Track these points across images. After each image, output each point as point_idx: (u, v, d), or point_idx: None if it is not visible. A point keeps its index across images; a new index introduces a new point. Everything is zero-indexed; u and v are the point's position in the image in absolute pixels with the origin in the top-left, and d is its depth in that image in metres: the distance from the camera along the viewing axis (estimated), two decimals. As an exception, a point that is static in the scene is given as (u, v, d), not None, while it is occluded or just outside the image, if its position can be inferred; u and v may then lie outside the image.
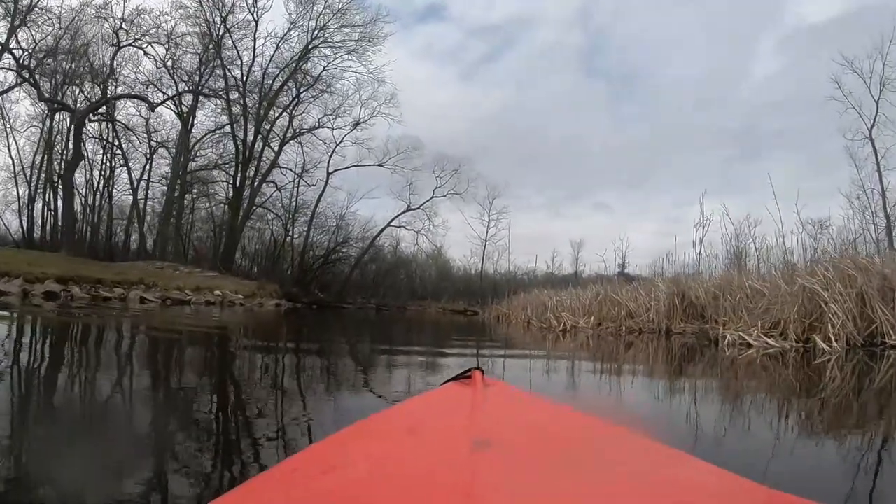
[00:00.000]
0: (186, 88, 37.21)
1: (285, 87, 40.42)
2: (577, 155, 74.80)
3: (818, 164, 51.11)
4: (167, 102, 38.24)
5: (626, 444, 1.13)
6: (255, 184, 40.33)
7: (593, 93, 76.12)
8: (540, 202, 78.86)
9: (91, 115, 34.61)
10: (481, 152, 76.11)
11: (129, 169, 39.24)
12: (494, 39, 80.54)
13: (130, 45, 34.57)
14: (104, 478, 1.98)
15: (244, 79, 38.83)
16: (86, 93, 34.52)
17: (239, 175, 39.04)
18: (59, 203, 34.49)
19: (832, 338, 9.18)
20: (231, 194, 39.60)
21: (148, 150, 39.46)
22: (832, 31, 49.42)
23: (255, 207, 40.86)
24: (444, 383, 1.60)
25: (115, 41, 33.75)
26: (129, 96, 35.24)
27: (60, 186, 33.42)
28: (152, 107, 35.51)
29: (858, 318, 9.66)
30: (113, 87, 35.81)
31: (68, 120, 34.95)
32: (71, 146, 32.32)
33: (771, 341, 9.92)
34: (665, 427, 3.16)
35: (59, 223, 34.14)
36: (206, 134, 39.79)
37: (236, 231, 38.87)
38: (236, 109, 39.12)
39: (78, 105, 34.17)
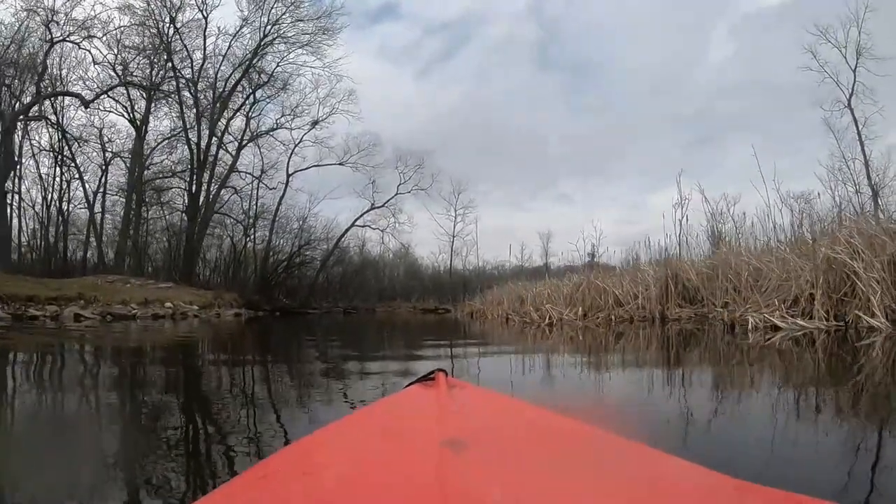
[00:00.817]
0: (138, 83, 34.97)
1: (240, 88, 38.49)
2: (536, 147, 74.29)
3: (776, 145, 50.32)
4: (120, 110, 36.38)
5: (598, 444, 1.08)
6: (213, 189, 38.33)
7: (549, 85, 75.25)
8: (501, 196, 77.86)
9: (27, 120, 32.02)
10: (442, 149, 75.13)
11: (83, 181, 36.78)
12: (449, 36, 78.92)
13: (63, 40, 31.95)
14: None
15: (195, 79, 36.72)
16: (17, 94, 31.80)
17: (194, 181, 36.89)
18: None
19: (878, 313, 7.67)
20: (187, 202, 37.39)
21: (103, 162, 37.17)
22: (785, 14, 48.98)
23: (213, 214, 38.75)
24: (407, 386, 1.59)
25: (48, 37, 31.11)
26: (60, 94, 32.63)
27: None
28: (86, 104, 32.90)
29: (893, 288, 8.20)
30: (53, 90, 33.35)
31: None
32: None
33: (803, 322, 8.38)
34: (649, 427, 2.70)
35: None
36: (160, 142, 37.76)
37: (194, 240, 36.72)
38: (189, 113, 37.19)
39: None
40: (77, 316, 17.64)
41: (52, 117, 34.54)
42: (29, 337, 10.38)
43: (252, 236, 41.93)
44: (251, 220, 41.33)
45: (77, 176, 36.75)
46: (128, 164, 36.81)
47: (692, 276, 14.47)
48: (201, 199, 37.42)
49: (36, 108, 31.97)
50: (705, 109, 64.66)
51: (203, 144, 37.07)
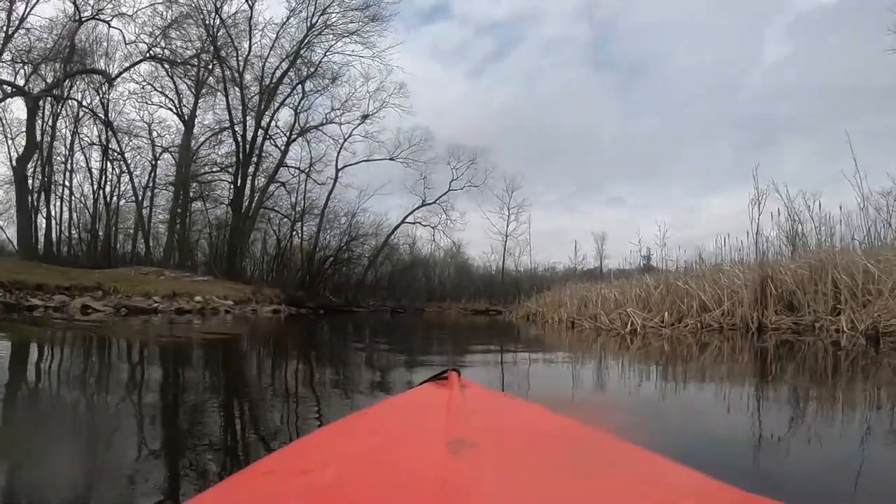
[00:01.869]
0: (164, 57, 33.38)
1: (287, 80, 36.76)
2: (588, 149, 71.93)
3: (831, 149, 47.42)
4: (168, 105, 35.36)
5: (602, 447, 1.10)
6: (259, 183, 36.93)
7: (602, 86, 73.42)
8: (552, 198, 75.36)
9: (49, 97, 30.66)
10: (494, 148, 72.18)
11: (131, 176, 35.61)
12: (500, 36, 76.75)
13: (92, 18, 30.26)
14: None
15: (241, 70, 35.23)
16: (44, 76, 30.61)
17: (240, 174, 35.42)
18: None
19: None
20: (232, 195, 35.96)
21: (153, 157, 36.11)
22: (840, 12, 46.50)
23: (260, 208, 37.24)
24: (420, 384, 1.59)
25: (77, 16, 29.47)
26: (83, 71, 30.95)
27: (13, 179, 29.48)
28: (110, 81, 31.23)
29: None
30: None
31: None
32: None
33: None
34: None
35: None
36: (207, 136, 36.46)
37: (238, 233, 35.24)
38: (236, 104, 35.60)
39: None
40: (85, 308, 15.97)
41: (101, 112, 33.87)
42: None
43: (299, 232, 40.30)
44: (298, 215, 39.62)
45: (126, 170, 35.73)
46: (176, 159, 35.61)
47: (787, 279, 12.19)
48: (246, 192, 35.99)
49: (59, 89, 30.37)
50: (761, 113, 62.70)
51: (249, 137, 35.57)
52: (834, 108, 55.41)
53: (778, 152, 57.83)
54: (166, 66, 33.45)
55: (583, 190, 77.94)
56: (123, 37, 31.74)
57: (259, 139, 36.21)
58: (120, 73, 31.66)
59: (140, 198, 35.97)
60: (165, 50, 32.50)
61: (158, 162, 36.27)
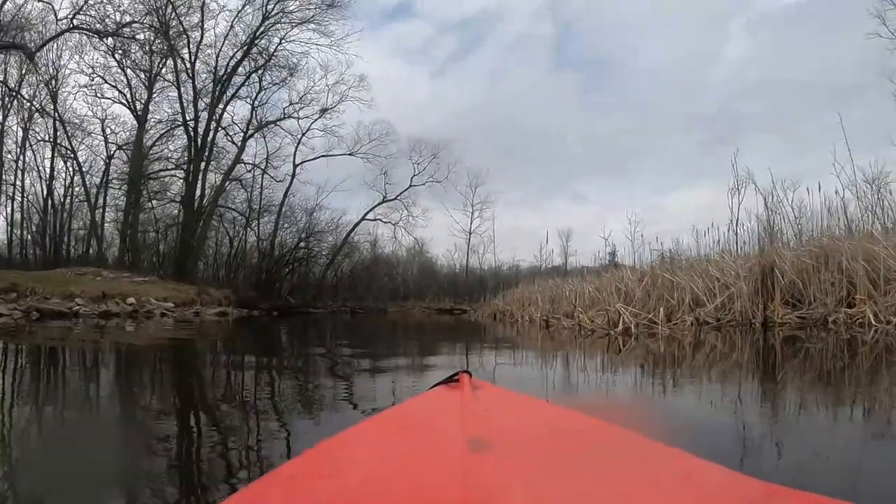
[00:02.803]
0: (87, 28, 31.06)
1: (243, 71, 34.54)
2: (551, 147, 70.11)
3: (795, 145, 48.40)
4: (120, 99, 33.24)
5: (622, 443, 1.09)
6: (213, 180, 34.75)
7: (565, 83, 70.78)
8: (516, 196, 74.07)
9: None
10: (457, 146, 70.50)
11: (82, 174, 33.29)
12: (464, 35, 74.39)
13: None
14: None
15: (192, 60, 32.93)
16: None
17: (192, 170, 33.10)
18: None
19: None
20: (184, 192, 33.62)
21: (106, 155, 33.86)
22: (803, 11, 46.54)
23: (216, 207, 34.91)
24: (431, 387, 1.58)
25: None
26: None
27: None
28: (31, 55, 28.09)
29: None
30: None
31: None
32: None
33: None
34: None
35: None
36: (159, 130, 34.16)
37: (189, 232, 32.91)
38: (189, 97, 33.25)
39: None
40: (-15, 313, 13.78)
41: (50, 107, 31.79)
42: None
43: (256, 230, 37.94)
44: (255, 213, 37.34)
45: (77, 168, 33.49)
46: (128, 155, 33.30)
47: (787, 268, 10.72)
48: (200, 189, 33.78)
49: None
50: (724, 109, 61.57)
51: (202, 131, 33.33)
52: (796, 104, 56.01)
53: (741, 149, 56.01)
54: (95, 38, 30.78)
55: (547, 188, 76.82)
56: (55, 14, 29.01)
57: (212, 133, 34.02)
58: (40, 47, 28.70)
59: (94, 198, 33.70)
60: (94, 20, 29.61)
61: (112, 160, 34.15)
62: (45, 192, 33.50)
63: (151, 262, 34.43)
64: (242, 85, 34.48)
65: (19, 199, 33.16)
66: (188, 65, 32.90)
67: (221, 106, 33.98)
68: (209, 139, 33.70)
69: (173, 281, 25.57)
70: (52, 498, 1.69)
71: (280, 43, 34.38)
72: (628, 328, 9.83)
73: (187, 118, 33.20)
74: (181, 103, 33.15)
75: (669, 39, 69.30)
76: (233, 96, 34.30)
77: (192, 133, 33.10)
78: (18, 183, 32.93)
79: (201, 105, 33.51)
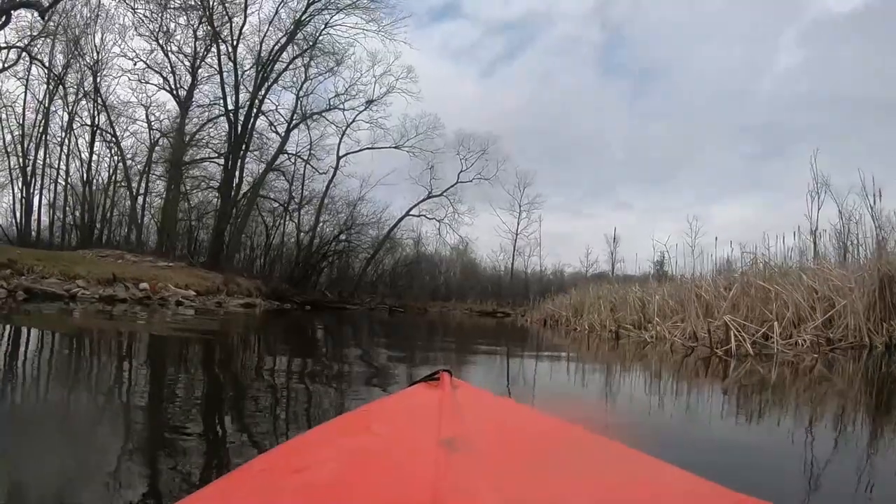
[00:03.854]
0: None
1: (286, 57, 32.60)
2: (596, 153, 66.44)
3: (845, 161, 44.14)
4: (163, 85, 31.52)
5: (593, 448, 1.10)
6: (252, 168, 33.07)
7: (612, 89, 68.11)
8: (559, 202, 71.29)
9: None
10: (504, 140, 67.82)
11: (123, 158, 31.74)
12: (511, 36, 71.77)
13: None
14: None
15: (234, 44, 31.12)
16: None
17: (231, 157, 31.30)
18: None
19: None
20: (222, 179, 31.81)
21: (149, 141, 32.19)
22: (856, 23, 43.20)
23: (257, 197, 33.14)
24: (411, 384, 1.54)
25: None
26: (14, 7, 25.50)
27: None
28: (42, 12, 25.91)
29: None
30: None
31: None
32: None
33: None
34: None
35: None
36: (203, 123, 32.38)
37: (224, 219, 31.10)
38: (231, 82, 31.57)
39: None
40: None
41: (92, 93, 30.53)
42: None
43: (297, 221, 35.98)
44: (296, 204, 35.45)
45: (118, 153, 31.95)
46: (170, 142, 31.72)
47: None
48: (236, 178, 32.03)
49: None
50: (772, 121, 58.60)
51: (242, 117, 31.55)
52: (845, 119, 52.31)
53: (787, 161, 54.00)
54: (139, 22, 29.67)
55: (589, 194, 73.55)
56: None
57: (253, 120, 32.22)
58: (53, 3, 26.56)
59: (136, 184, 32.34)
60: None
61: (156, 147, 32.39)
62: (84, 176, 32.15)
63: (190, 250, 32.69)
64: (285, 70, 32.48)
65: (62, 182, 32.20)
66: (230, 49, 31.13)
67: (263, 92, 32.10)
68: (249, 126, 31.94)
69: (203, 269, 23.61)
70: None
71: (325, 27, 32.24)
72: (741, 347, 7.32)
73: (228, 105, 31.62)
74: (223, 89, 31.59)
75: (719, 47, 65.80)
76: (274, 81, 32.35)
77: (232, 119, 31.40)
78: (63, 167, 31.96)
79: (243, 91, 31.92)
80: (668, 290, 12.50)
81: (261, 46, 31.78)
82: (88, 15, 29.53)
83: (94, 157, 32.21)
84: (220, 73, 31.27)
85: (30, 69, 29.56)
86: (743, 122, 63.12)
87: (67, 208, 32.67)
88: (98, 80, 30.58)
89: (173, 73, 31.47)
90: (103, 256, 20.43)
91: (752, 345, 7.31)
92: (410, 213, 38.98)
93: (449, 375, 1.48)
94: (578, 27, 65.94)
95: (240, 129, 31.31)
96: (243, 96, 31.75)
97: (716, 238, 13.07)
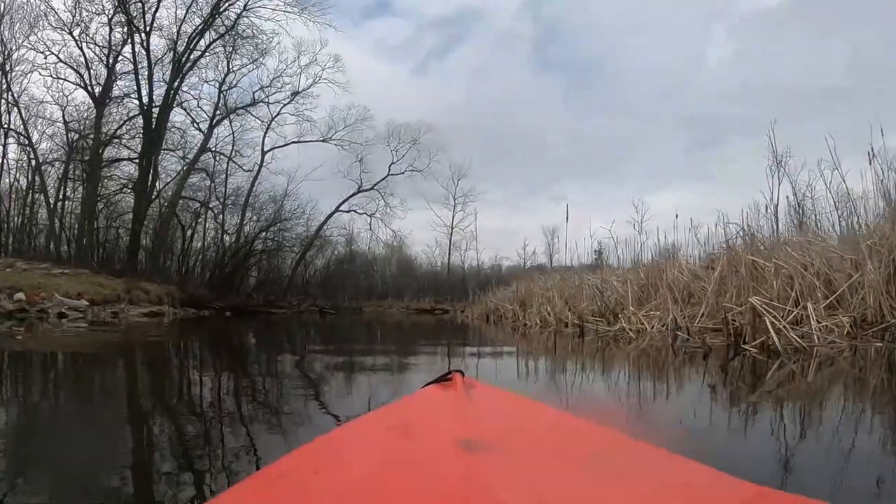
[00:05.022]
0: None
1: (203, 47, 29.80)
2: (534, 148, 64.87)
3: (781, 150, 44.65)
4: (78, 81, 28.17)
5: (615, 445, 1.05)
6: (167, 164, 30.16)
7: (547, 85, 66.20)
8: (498, 197, 69.79)
9: None
10: (437, 131, 66.06)
11: (38, 161, 28.09)
12: (445, 33, 70.94)
13: None
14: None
15: (147, 29, 28.14)
16: None
17: (145, 154, 28.31)
18: None
19: None
20: (137, 177, 28.83)
21: (66, 142, 28.63)
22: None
23: (179, 199, 30.18)
24: (424, 386, 1.47)
25: None
26: None
27: None
28: None
29: None
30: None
31: None
32: None
33: None
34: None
35: None
36: (123, 122, 29.36)
37: (139, 221, 28.17)
38: (144, 72, 28.61)
39: None
40: None
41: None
42: None
43: (220, 221, 32.90)
44: (220, 203, 32.60)
45: (33, 156, 28.36)
46: (86, 143, 28.35)
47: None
48: (151, 175, 29.03)
49: None
50: (707, 113, 58.11)
51: (156, 111, 28.63)
52: (779, 109, 51.92)
53: (726, 151, 54.71)
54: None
55: (528, 189, 72.82)
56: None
57: (170, 112, 29.41)
58: None
59: (52, 188, 29.11)
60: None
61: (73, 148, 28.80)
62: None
63: (99, 256, 29.47)
64: (201, 56, 29.57)
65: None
66: (143, 37, 28.21)
67: (177, 83, 29.22)
68: (165, 120, 29.00)
69: (107, 276, 20.76)
70: None
71: (244, 10, 29.44)
72: (744, 337, 5.47)
73: (143, 99, 28.66)
74: (137, 82, 28.62)
75: (651, 41, 65.84)
76: (190, 68, 29.43)
77: (144, 110, 28.41)
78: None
79: (161, 85, 29.03)
80: (628, 276, 10.80)
81: (177, 35, 28.76)
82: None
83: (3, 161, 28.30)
84: (135, 64, 28.27)
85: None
86: (679, 114, 62.93)
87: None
88: (9, 77, 27.20)
89: (88, 67, 28.24)
90: (-9, 265, 17.52)
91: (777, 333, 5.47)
92: (340, 208, 36.57)
93: (461, 376, 1.43)
94: (511, 23, 64.47)
95: (154, 123, 28.43)
96: (161, 90, 28.91)
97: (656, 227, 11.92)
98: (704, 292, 8.65)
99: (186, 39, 29.00)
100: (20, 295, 14.18)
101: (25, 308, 13.70)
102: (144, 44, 28.23)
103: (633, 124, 61.78)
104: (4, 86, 27.11)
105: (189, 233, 32.01)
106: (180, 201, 31.01)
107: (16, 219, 29.37)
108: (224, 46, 30.38)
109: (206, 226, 33.24)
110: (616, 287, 10.81)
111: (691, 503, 0.77)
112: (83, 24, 27.33)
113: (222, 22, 29.49)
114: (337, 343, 10.18)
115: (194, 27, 29.07)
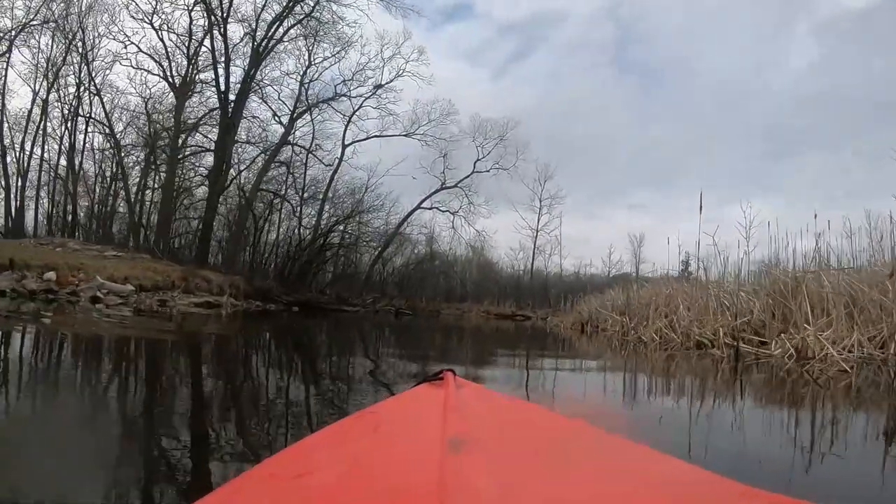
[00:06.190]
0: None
1: (288, 39, 28.54)
2: (606, 154, 61.10)
3: (855, 162, 43.44)
4: (157, 71, 27.67)
5: (603, 445, 1.04)
6: (244, 153, 29.05)
7: (622, 90, 61.58)
8: (570, 204, 66.54)
9: None
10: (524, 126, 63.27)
11: (119, 151, 27.65)
12: (522, 37, 66.34)
13: None
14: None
15: (224, 15, 26.90)
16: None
17: (220, 142, 27.12)
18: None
19: None
20: (212, 167, 27.63)
21: (148, 132, 28.06)
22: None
23: (258, 191, 28.99)
24: (415, 385, 1.48)
25: None
26: None
27: None
28: None
29: None
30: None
31: None
32: None
33: None
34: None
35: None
36: (205, 113, 28.57)
37: (213, 210, 26.91)
38: (223, 60, 27.51)
39: None
40: None
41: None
42: None
43: (298, 214, 31.30)
44: (300, 196, 31.19)
45: (114, 144, 28.00)
46: (169, 134, 27.68)
47: None
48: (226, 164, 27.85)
49: None
50: (783, 121, 53.51)
51: (233, 98, 27.52)
52: (857, 119, 48.50)
53: (798, 163, 51.49)
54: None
55: (600, 196, 68.31)
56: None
57: (246, 100, 28.22)
58: None
59: (131, 176, 28.68)
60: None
61: (156, 138, 28.25)
62: (67, 166, 27.96)
63: (182, 246, 28.67)
64: (279, 42, 28.29)
65: (53, 174, 28.18)
66: (219, 20, 27.01)
67: (254, 70, 27.98)
68: (241, 107, 27.81)
69: (171, 262, 19.21)
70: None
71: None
72: None
73: (220, 85, 27.58)
74: (215, 70, 27.61)
75: (728, 46, 61.09)
76: (266, 54, 28.01)
77: (221, 98, 27.30)
78: (55, 158, 28.14)
79: (237, 71, 28.00)
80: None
81: (256, 22, 27.60)
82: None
83: (87, 147, 28.30)
84: (213, 52, 27.43)
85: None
86: (753, 121, 57.71)
87: (56, 200, 28.58)
88: (91, 68, 26.99)
89: (168, 58, 27.56)
90: (43, 244, 16.17)
91: None
92: (422, 205, 34.42)
93: (453, 375, 1.39)
94: (589, 26, 61.04)
95: (231, 112, 27.17)
96: (240, 79, 27.87)
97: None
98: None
99: (265, 27, 27.84)
100: (51, 274, 12.54)
101: (53, 289, 12.08)
102: (222, 31, 27.20)
103: (707, 132, 57.64)
104: (87, 76, 27.04)
105: (262, 223, 30.49)
106: (259, 193, 29.75)
107: (97, 207, 29.06)
108: (305, 37, 29.19)
109: (282, 218, 31.85)
110: (746, 299, 8.19)
111: (674, 500, 0.75)
112: (163, 15, 26.70)
113: (302, 9, 28.15)
114: (406, 344, 8.01)
115: (274, 15, 27.85)
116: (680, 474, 0.86)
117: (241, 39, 27.71)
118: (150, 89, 27.94)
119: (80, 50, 26.51)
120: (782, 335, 6.73)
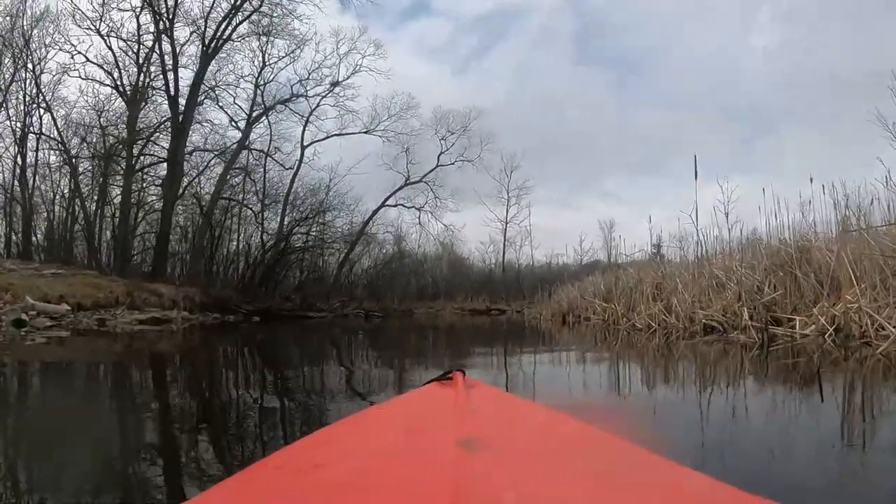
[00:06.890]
0: None
1: (238, 37, 27.17)
2: (578, 145, 60.36)
3: (835, 139, 41.04)
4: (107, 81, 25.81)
5: (608, 448, 1.02)
6: (194, 159, 27.36)
7: (591, 80, 61.06)
8: (542, 195, 65.98)
9: None
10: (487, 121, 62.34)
11: (74, 167, 25.60)
12: (485, 31, 64.82)
13: None
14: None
15: (170, 15, 25.38)
16: None
17: (172, 149, 25.57)
18: None
19: None
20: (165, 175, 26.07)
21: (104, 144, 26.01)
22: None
23: (218, 199, 27.48)
24: (425, 384, 1.41)
25: None
26: None
27: None
28: None
29: None
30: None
31: None
32: None
33: None
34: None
35: None
36: (160, 122, 26.91)
37: (168, 221, 25.39)
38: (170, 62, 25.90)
39: None
40: None
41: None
42: None
43: (260, 220, 29.85)
44: (260, 202, 29.70)
45: (68, 161, 25.81)
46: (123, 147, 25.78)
47: None
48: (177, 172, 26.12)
49: None
50: (758, 102, 53.55)
51: (184, 101, 25.90)
52: (831, 95, 48.49)
53: (777, 142, 49.75)
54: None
55: (575, 187, 68.09)
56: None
57: (198, 103, 26.79)
58: None
59: (86, 191, 26.43)
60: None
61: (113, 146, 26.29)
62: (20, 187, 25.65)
63: (124, 258, 26.79)
64: (227, 41, 26.83)
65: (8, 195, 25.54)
66: (166, 22, 25.46)
67: (203, 70, 26.41)
68: (192, 110, 26.31)
69: (118, 277, 17.69)
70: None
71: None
72: None
73: (171, 91, 25.89)
74: (164, 74, 25.94)
75: (693, 31, 61.00)
76: (215, 53, 26.54)
77: (171, 102, 25.78)
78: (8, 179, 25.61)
79: (184, 73, 26.44)
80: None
81: (206, 22, 26.13)
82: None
83: (39, 166, 25.89)
84: (161, 56, 25.82)
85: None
86: (727, 104, 57.55)
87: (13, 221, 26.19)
88: (39, 82, 24.97)
89: (118, 66, 25.81)
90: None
91: None
92: (387, 203, 33.29)
93: (462, 375, 1.36)
94: (551, 18, 60.33)
95: (182, 116, 25.68)
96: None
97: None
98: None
99: (214, 26, 26.31)
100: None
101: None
102: (169, 32, 25.59)
103: (679, 116, 57.21)
104: (35, 91, 25.01)
105: (220, 231, 28.92)
106: (219, 201, 28.23)
107: (56, 226, 26.80)
108: (259, 36, 27.82)
109: (242, 224, 30.29)
110: (747, 275, 7.20)
111: None
112: (110, 21, 25.01)
113: (251, 4, 26.62)
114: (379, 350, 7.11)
115: (224, 13, 26.25)
116: (691, 484, 0.82)
117: (188, 39, 26.23)
118: (101, 101, 26.10)
119: (28, 64, 24.67)
120: (813, 310, 5.69)
